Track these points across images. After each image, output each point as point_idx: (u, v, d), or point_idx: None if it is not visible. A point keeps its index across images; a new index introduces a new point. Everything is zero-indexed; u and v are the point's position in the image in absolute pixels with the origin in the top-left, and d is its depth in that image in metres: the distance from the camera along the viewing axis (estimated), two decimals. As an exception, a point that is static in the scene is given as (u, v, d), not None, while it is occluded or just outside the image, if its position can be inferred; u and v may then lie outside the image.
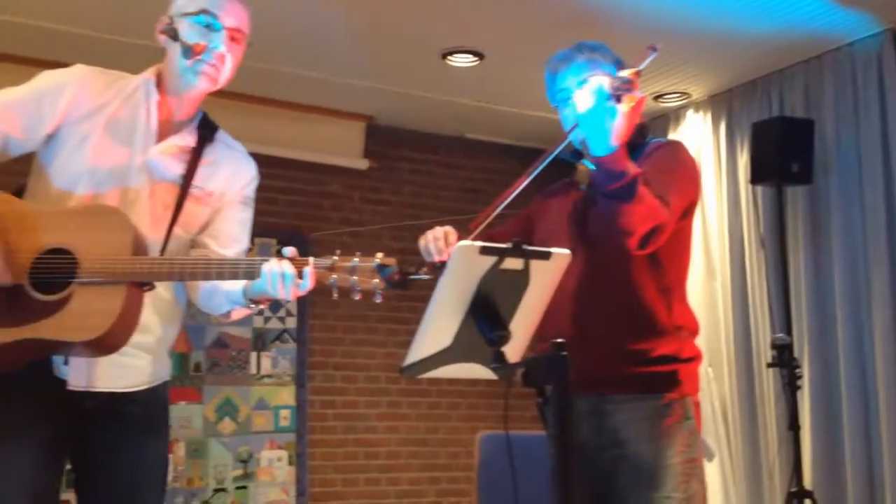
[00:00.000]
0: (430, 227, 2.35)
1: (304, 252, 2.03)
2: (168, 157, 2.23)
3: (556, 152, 2.27)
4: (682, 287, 2.46)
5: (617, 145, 2.11)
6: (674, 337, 2.38)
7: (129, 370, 2.17)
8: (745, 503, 4.78)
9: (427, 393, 5.54)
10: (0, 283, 1.98)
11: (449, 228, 2.35)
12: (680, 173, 2.38)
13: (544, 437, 2.13)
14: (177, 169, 2.23)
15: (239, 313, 2.24)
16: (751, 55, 4.63)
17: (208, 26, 2.19)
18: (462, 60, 4.67)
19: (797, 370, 4.10)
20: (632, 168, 2.16)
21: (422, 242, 2.31)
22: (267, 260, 2.00)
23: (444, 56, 4.62)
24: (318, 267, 1.98)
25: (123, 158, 2.19)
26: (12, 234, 2.01)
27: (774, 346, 4.16)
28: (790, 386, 4.09)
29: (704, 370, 4.77)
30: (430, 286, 1.80)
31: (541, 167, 2.20)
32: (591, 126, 2.11)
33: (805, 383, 4.39)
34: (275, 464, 5.11)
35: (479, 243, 1.69)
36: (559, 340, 1.70)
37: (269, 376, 5.19)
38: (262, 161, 2.47)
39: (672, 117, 5.41)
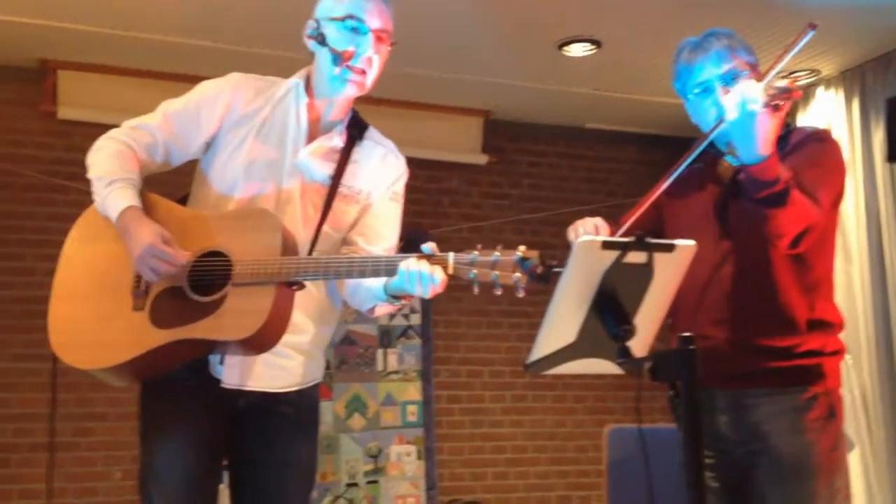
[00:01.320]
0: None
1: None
2: (317, 158, 2.26)
3: (701, 148, 2.21)
4: (829, 283, 2.36)
5: (767, 154, 2.05)
6: (818, 333, 2.29)
7: (281, 371, 2.22)
8: (888, 495, 4.59)
9: (552, 386, 5.50)
10: (179, 264, 2.06)
11: (599, 220, 2.28)
12: (830, 167, 2.29)
13: (673, 429, 2.10)
14: (326, 169, 2.26)
15: (383, 309, 2.24)
16: (883, 27, 4.42)
17: (355, 30, 2.20)
18: (579, 49, 4.61)
19: (942, 356, 3.93)
20: (783, 173, 2.08)
21: (571, 235, 2.23)
22: (406, 258, 1.98)
23: (561, 46, 4.57)
24: (459, 262, 1.95)
25: (276, 161, 2.24)
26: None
27: (917, 331, 3.99)
28: (935, 372, 3.93)
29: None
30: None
31: (687, 163, 2.16)
32: (741, 134, 2.05)
33: (952, 369, 4.20)
34: (404, 458, 5.18)
35: (601, 238, 1.67)
36: (687, 335, 1.67)
37: (395, 372, 5.26)
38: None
39: (802, 96, 5.22)
